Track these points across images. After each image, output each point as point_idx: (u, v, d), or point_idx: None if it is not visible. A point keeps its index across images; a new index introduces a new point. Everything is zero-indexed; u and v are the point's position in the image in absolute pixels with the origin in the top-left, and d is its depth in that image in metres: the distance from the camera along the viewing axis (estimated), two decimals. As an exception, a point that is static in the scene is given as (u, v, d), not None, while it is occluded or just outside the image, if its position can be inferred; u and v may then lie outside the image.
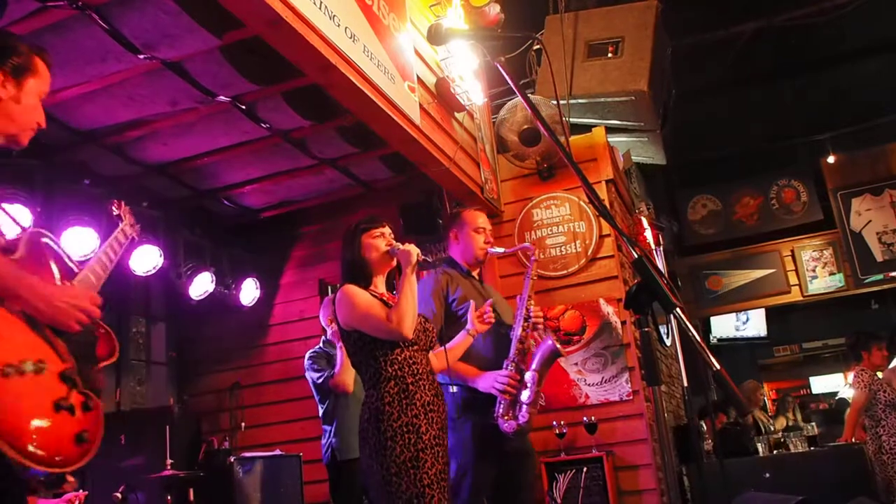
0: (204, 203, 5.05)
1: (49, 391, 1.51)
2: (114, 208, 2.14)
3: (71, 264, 1.81)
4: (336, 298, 2.64)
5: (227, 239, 5.43)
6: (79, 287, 1.69)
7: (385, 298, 2.65)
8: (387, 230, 2.74)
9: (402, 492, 2.38)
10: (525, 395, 2.95)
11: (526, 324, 3.10)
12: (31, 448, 1.41)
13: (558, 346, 3.05)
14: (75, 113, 3.71)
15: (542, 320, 3.20)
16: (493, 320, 2.94)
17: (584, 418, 4.17)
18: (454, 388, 3.06)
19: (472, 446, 2.94)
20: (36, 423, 1.45)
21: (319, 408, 4.02)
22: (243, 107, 3.83)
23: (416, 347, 2.60)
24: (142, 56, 3.22)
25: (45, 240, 1.79)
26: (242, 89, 3.66)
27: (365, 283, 2.67)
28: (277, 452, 4.66)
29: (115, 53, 3.19)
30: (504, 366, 3.00)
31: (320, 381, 3.89)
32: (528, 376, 2.99)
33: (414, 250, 2.62)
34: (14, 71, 1.72)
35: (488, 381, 2.98)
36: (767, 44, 6.78)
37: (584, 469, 4.02)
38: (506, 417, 2.94)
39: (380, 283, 2.73)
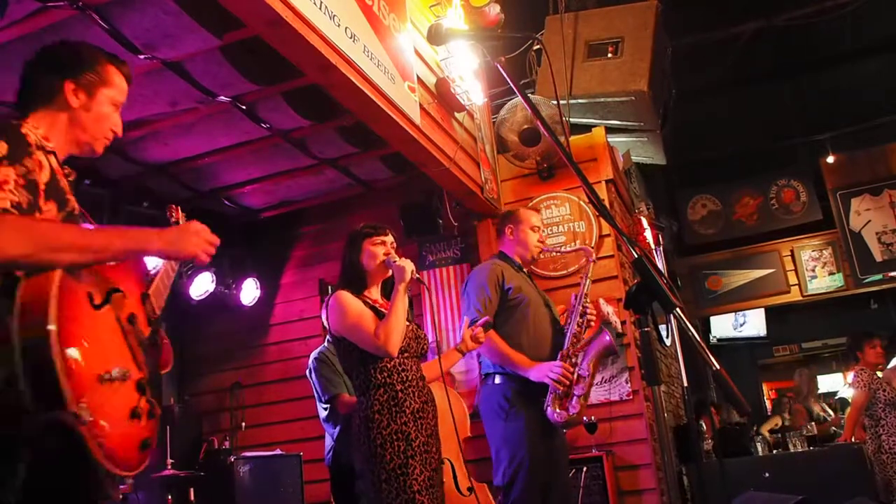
0: (204, 203, 5.04)
1: (129, 398, 1.53)
2: (171, 214, 2.15)
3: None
4: (328, 303, 2.66)
5: (228, 239, 5.40)
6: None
7: (378, 306, 2.67)
8: (389, 239, 2.76)
9: (393, 498, 2.41)
10: (578, 388, 3.03)
11: (581, 319, 3.19)
12: (113, 452, 1.43)
13: (614, 342, 3.14)
14: (76, 113, 3.72)
15: (595, 318, 3.29)
16: (483, 339, 2.97)
17: (585, 418, 4.17)
18: (498, 380, 3.13)
19: (527, 438, 2.99)
20: (118, 428, 1.47)
21: (321, 409, 4.00)
22: (243, 107, 3.83)
23: (406, 354, 2.61)
24: (142, 56, 3.22)
25: None
26: (243, 89, 3.66)
27: (358, 288, 2.69)
28: (278, 452, 4.66)
29: (115, 53, 3.19)
30: (558, 358, 3.09)
31: (326, 399, 3.83)
32: (582, 369, 3.07)
33: (409, 266, 2.62)
34: (85, 81, 1.75)
35: (542, 371, 3.05)
36: (767, 44, 6.78)
37: (584, 469, 4.02)
38: (556, 408, 3.01)
39: (374, 291, 2.75)
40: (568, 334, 3.16)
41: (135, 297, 1.71)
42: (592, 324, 3.24)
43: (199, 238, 1.66)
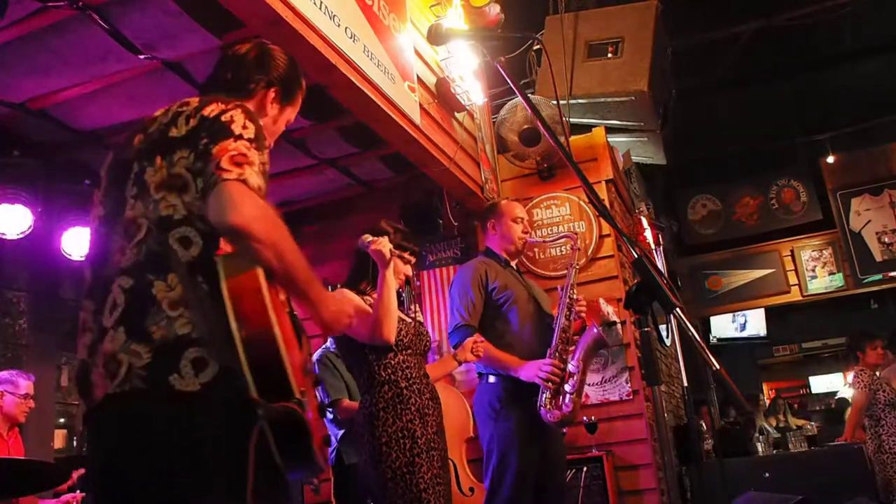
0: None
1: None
2: None
3: None
4: None
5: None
6: (343, 292, 1.67)
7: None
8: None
9: (399, 497, 2.39)
10: (569, 385, 2.94)
11: (569, 313, 3.09)
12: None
13: (603, 334, 3.04)
14: (76, 113, 3.72)
15: (584, 309, 3.18)
16: (481, 354, 2.91)
17: (584, 418, 4.18)
18: (492, 379, 3.06)
19: (517, 440, 2.92)
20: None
21: (337, 413, 3.97)
22: (244, 107, 3.83)
23: (409, 352, 2.59)
24: (142, 56, 3.22)
25: None
26: (243, 89, 3.66)
27: (362, 291, 2.67)
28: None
29: (115, 53, 3.19)
30: (547, 355, 3.01)
31: (327, 403, 3.81)
32: (571, 366, 2.98)
33: (385, 245, 2.51)
34: (285, 96, 1.76)
35: (531, 371, 2.97)
36: (767, 44, 6.78)
37: (584, 469, 4.01)
38: (549, 407, 2.93)
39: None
40: (556, 329, 3.06)
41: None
42: (582, 315, 3.14)
43: (343, 315, 1.60)
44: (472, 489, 3.69)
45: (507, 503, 2.88)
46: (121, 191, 1.51)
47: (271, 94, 1.73)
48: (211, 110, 1.48)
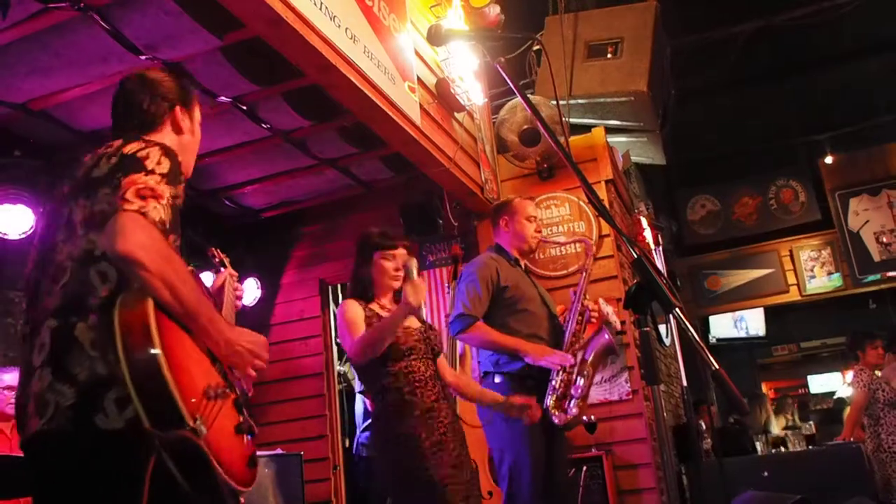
0: (205, 203, 5.05)
1: (230, 416, 1.54)
2: (212, 255, 2.26)
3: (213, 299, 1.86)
4: (338, 311, 2.69)
5: (228, 239, 5.43)
6: (255, 334, 1.68)
7: (388, 313, 2.65)
8: (400, 252, 2.69)
9: (408, 498, 2.43)
10: (575, 389, 2.94)
11: (580, 318, 3.10)
12: (230, 466, 1.45)
13: (614, 341, 3.03)
14: (77, 114, 3.72)
15: (596, 313, 3.19)
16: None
17: (584, 418, 4.17)
18: (498, 379, 3.04)
19: (529, 440, 2.89)
20: (228, 443, 1.48)
21: (362, 402, 3.94)
22: (244, 107, 3.84)
23: (413, 357, 2.58)
24: (143, 57, 3.23)
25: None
26: (243, 90, 3.66)
27: (367, 298, 2.68)
28: (278, 452, 4.67)
29: (116, 54, 3.20)
30: None
31: (360, 391, 3.83)
32: (579, 379, 2.98)
33: (421, 298, 2.39)
34: (187, 104, 1.86)
35: (541, 353, 2.94)
36: (767, 44, 6.80)
37: (584, 468, 4.02)
38: (555, 411, 2.93)
39: (385, 300, 2.72)
40: (567, 333, 3.07)
41: None
42: (593, 321, 3.15)
43: (251, 356, 1.63)
44: (490, 493, 3.68)
45: (523, 502, 2.87)
46: (53, 235, 1.59)
47: (177, 112, 1.83)
48: (131, 148, 1.57)
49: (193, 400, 1.38)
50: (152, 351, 1.33)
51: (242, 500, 1.53)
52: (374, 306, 2.66)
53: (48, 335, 1.47)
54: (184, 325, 1.48)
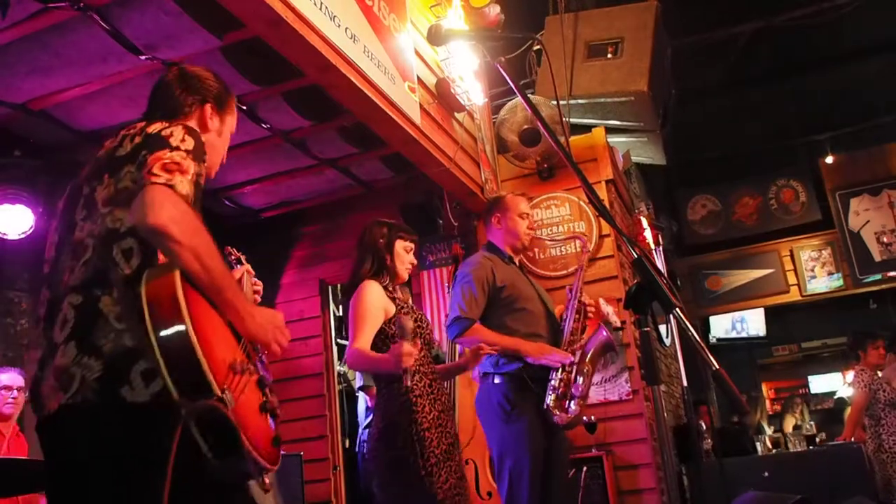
0: (205, 203, 5.03)
1: (255, 393, 1.54)
2: (229, 254, 2.27)
3: None
4: (357, 290, 2.62)
5: (228, 239, 5.43)
6: (276, 312, 1.69)
7: (398, 302, 2.66)
8: (413, 248, 2.79)
9: (408, 488, 2.43)
10: (575, 388, 2.92)
11: (578, 316, 3.07)
12: (256, 442, 1.44)
13: (612, 338, 3.02)
14: (77, 114, 3.72)
15: (594, 310, 3.17)
16: (488, 352, 2.84)
17: (584, 418, 4.17)
18: (497, 380, 3.02)
19: (531, 441, 2.88)
20: (254, 420, 1.47)
21: (363, 399, 3.92)
22: (244, 107, 3.84)
23: (416, 375, 2.57)
24: (143, 57, 3.23)
25: None
26: (243, 90, 3.66)
27: (390, 278, 2.71)
28: (278, 452, 4.67)
29: (116, 54, 3.20)
30: None
31: (359, 387, 3.83)
32: (580, 367, 2.97)
33: (409, 364, 2.34)
34: (220, 106, 1.85)
35: (541, 352, 2.93)
36: (767, 44, 6.80)
37: (584, 468, 4.02)
38: (556, 410, 2.90)
39: (399, 289, 2.77)
40: (565, 331, 3.04)
41: None
42: (591, 316, 3.12)
43: (276, 333, 1.64)
44: (489, 493, 3.67)
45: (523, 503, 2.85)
46: (72, 215, 1.59)
47: (208, 110, 1.82)
48: (154, 128, 1.58)
49: (221, 372, 1.38)
50: (181, 323, 1.33)
51: (267, 479, 1.52)
52: (396, 295, 2.69)
53: (71, 311, 1.47)
54: (210, 300, 1.49)
